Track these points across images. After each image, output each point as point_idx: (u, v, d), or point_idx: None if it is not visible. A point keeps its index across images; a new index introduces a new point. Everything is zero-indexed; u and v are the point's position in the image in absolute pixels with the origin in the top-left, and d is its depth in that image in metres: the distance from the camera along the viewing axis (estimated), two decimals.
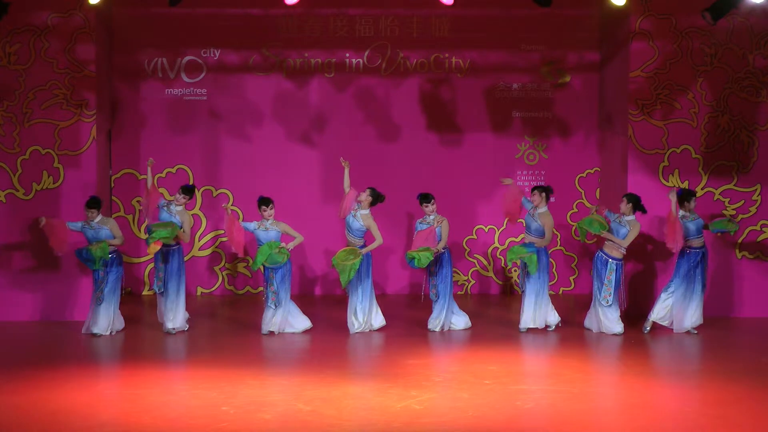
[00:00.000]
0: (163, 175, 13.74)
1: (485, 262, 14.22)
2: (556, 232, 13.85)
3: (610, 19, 13.29)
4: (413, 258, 11.27)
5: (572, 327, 11.80)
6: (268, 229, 11.30)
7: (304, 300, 12.97)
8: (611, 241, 11.30)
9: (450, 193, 13.69)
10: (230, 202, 13.82)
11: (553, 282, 13.93)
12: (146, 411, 8.31)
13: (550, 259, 13.24)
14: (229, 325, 12.27)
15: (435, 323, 11.59)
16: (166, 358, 10.67)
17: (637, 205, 11.30)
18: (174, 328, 11.42)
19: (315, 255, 13.96)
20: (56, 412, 8.25)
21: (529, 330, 11.57)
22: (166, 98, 13.92)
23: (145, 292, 13.97)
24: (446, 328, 11.62)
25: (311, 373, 9.59)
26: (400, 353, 10.47)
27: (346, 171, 11.64)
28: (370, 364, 10.45)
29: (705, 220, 11.76)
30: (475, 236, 14.21)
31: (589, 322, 11.61)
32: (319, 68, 14.01)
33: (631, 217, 11.30)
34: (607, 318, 11.35)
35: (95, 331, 11.22)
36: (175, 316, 11.45)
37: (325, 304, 13.37)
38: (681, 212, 11.48)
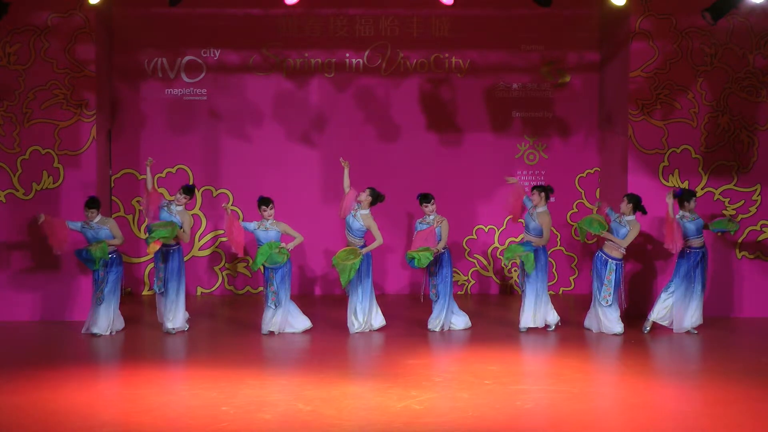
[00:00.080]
0: (163, 175, 13.74)
1: (485, 262, 14.22)
2: (556, 232, 13.88)
3: (610, 19, 13.29)
4: (413, 258, 11.28)
5: (572, 327, 11.80)
6: (268, 229, 11.30)
7: (304, 300, 12.97)
8: (611, 241, 11.30)
9: (450, 193, 13.69)
10: (230, 202, 13.82)
11: (553, 282, 13.94)
12: (146, 411, 8.31)
13: (550, 259, 13.28)
14: (229, 325, 12.26)
15: (435, 323, 11.59)
16: (165, 358, 10.66)
17: (637, 205, 11.31)
18: (174, 328, 11.42)
19: (315, 255, 13.96)
20: (56, 412, 8.25)
21: (529, 330, 11.57)
22: (166, 98, 13.92)
23: (145, 292, 13.97)
24: (446, 328, 11.62)
25: (311, 373, 9.59)
26: (400, 353, 10.47)
27: (346, 171, 11.64)
28: (370, 364, 10.45)
29: (705, 220, 11.76)
30: (475, 236, 14.22)
31: (589, 322, 11.62)
32: (319, 68, 14.01)
33: (632, 218, 11.30)
34: (607, 318, 11.35)
35: (95, 331, 11.22)
36: (175, 316, 11.45)
37: (325, 304, 13.37)
38: (681, 212, 11.49)
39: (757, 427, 7.93)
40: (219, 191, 13.99)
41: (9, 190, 12.16)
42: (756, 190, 12.54)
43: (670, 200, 11.33)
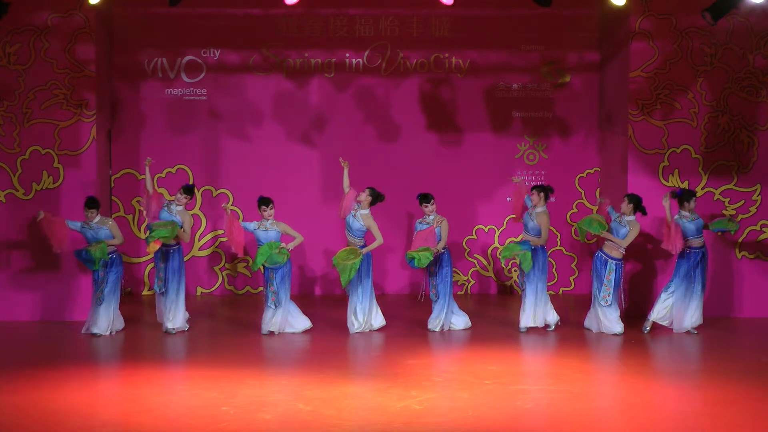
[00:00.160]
0: (163, 175, 13.74)
1: (485, 262, 14.22)
2: (556, 232, 13.88)
3: (610, 19, 13.29)
4: (413, 258, 11.28)
5: (572, 327, 11.80)
6: (268, 229, 11.30)
7: (304, 300, 12.97)
8: (611, 241, 11.31)
9: (450, 193, 13.69)
10: (230, 202, 13.82)
11: (553, 282, 13.95)
12: (146, 411, 8.31)
13: (550, 259, 13.29)
14: (229, 325, 12.26)
15: (435, 323, 11.59)
16: (165, 358, 10.66)
17: (638, 206, 11.31)
18: (174, 328, 11.42)
19: (315, 255, 13.96)
20: (56, 412, 8.25)
21: (529, 330, 11.57)
22: (166, 98, 13.93)
23: (144, 292, 13.97)
24: (446, 328, 11.62)
25: (311, 373, 9.59)
26: (400, 353, 10.47)
27: (346, 171, 11.63)
28: (370, 364, 10.45)
29: (705, 220, 11.76)
30: (475, 236, 14.22)
31: (589, 322, 11.62)
32: (319, 68, 14.01)
33: (632, 218, 11.30)
34: (607, 318, 11.35)
35: (95, 331, 11.22)
36: (175, 316, 11.45)
37: (325, 304, 13.37)
38: (681, 212, 11.49)
39: (757, 427, 7.93)
40: (219, 191, 13.99)
41: (9, 190, 12.16)
42: (756, 190, 12.54)
43: (666, 203, 11.35)
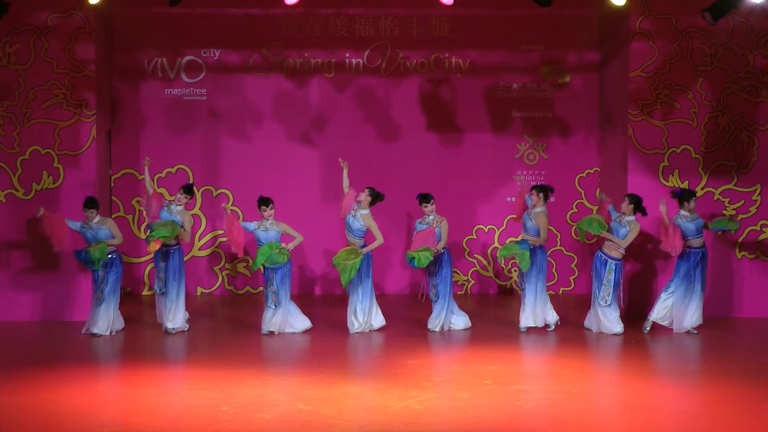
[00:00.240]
0: (163, 175, 13.74)
1: (485, 262, 14.22)
2: (555, 232, 13.88)
3: (610, 19, 13.29)
4: (413, 258, 11.28)
5: (572, 327, 11.80)
6: (268, 229, 11.30)
7: (304, 300, 12.97)
8: (611, 241, 11.31)
9: (450, 193, 13.69)
10: (230, 202, 13.82)
11: (552, 282, 13.95)
12: (146, 411, 8.31)
13: (550, 259, 13.29)
14: (229, 325, 12.26)
15: (435, 323, 11.59)
16: (165, 358, 10.66)
17: (638, 206, 11.31)
18: (174, 328, 11.42)
19: (315, 255, 13.96)
20: (56, 412, 8.25)
21: (529, 329, 11.57)
22: (166, 98, 13.92)
23: (144, 292, 13.97)
24: (446, 328, 11.62)
25: (311, 373, 9.59)
26: (400, 353, 10.47)
27: (345, 171, 11.63)
28: (370, 364, 10.45)
29: (705, 219, 11.76)
30: (475, 236, 14.22)
31: (589, 322, 11.62)
32: (319, 68, 14.01)
33: (632, 218, 11.30)
34: (607, 318, 11.35)
35: (95, 331, 11.22)
36: (175, 316, 11.45)
37: (325, 304, 13.37)
38: (681, 212, 11.49)
39: (757, 427, 7.93)
40: (219, 191, 13.99)
41: (9, 190, 12.15)
42: (756, 190, 12.54)
43: (663, 208, 11.35)
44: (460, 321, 11.70)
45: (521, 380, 9.55)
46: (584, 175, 14.17)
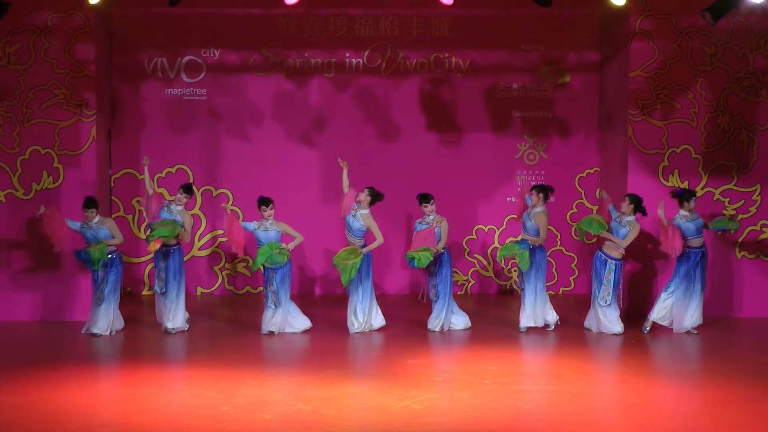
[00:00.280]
0: (163, 175, 13.74)
1: (485, 262, 14.22)
2: (556, 232, 13.88)
3: (610, 19, 13.29)
4: (413, 258, 11.28)
5: (572, 327, 11.80)
6: (268, 229, 11.30)
7: (304, 300, 12.97)
8: (611, 241, 11.31)
9: (450, 193, 13.69)
10: (230, 202, 13.82)
11: (552, 282, 13.95)
12: (146, 411, 8.31)
13: (550, 259, 13.29)
14: (229, 325, 12.26)
15: (435, 323, 11.59)
16: (166, 358, 10.66)
17: (638, 206, 11.31)
18: (174, 328, 11.42)
19: (315, 255, 13.96)
20: (56, 412, 8.25)
21: (529, 330, 11.57)
22: (166, 98, 13.92)
23: (144, 292, 13.97)
24: (446, 328, 11.62)
25: (311, 373, 9.59)
26: (400, 353, 10.47)
27: (345, 171, 11.63)
28: (370, 364, 10.45)
29: (705, 219, 11.76)
30: (475, 236, 14.21)
31: (589, 322, 11.62)
32: (319, 68, 14.01)
33: (632, 218, 11.30)
34: (607, 318, 11.35)
35: (95, 331, 11.22)
36: (175, 316, 11.44)
37: (325, 304, 13.37)
38: (681, 212, 11.49)
39: (757, 427, 7.94)
40: (219, 191, 13.99)
41: (9, 190, 12.15)
42: (756, 190, 12.54)
43: (661, 212, 11.35)
44: (460, 321, 11.70)
45: (521, 380, 9.55)
46: (584, 175, 14.17)
